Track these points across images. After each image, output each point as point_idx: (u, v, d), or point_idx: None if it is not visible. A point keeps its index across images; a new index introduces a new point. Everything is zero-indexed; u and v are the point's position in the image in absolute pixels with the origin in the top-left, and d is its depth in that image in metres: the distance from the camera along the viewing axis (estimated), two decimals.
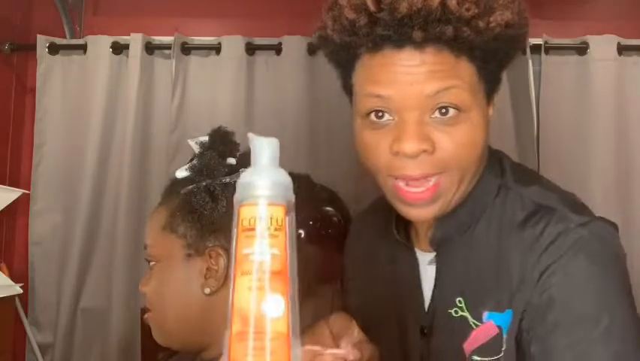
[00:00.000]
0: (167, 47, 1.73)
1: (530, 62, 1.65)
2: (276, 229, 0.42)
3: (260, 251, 0.41)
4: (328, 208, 0.92)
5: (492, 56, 0.67)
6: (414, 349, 0.77)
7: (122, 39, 1.73)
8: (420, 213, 0.69)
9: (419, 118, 0.65)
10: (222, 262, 0.79)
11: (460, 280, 0.73)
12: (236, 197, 0.45)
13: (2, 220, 1.72)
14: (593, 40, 1.64)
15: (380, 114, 0.66)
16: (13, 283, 1.56)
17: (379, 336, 0.72)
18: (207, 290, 0.79)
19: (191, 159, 0.84)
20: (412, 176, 0.66)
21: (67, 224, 1.72)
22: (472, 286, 0.72)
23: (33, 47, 1.75)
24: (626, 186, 1.64)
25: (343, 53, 0.69)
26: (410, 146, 0.64)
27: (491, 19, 0.63)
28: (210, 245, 0.79)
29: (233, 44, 1.71)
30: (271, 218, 0.42)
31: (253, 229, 0.42)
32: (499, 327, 0.69)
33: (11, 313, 1.65)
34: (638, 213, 1.63)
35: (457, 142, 0.66)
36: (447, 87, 0.64)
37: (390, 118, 0.66)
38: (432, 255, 0.76)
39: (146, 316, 0.86)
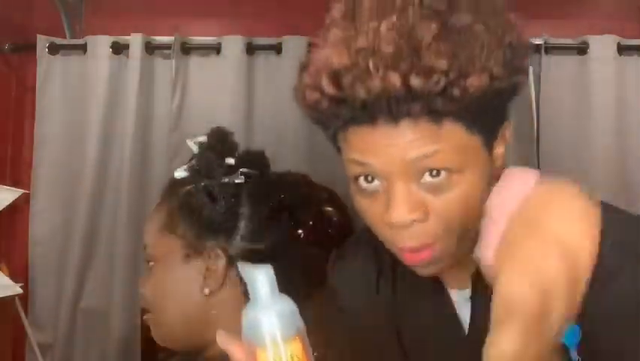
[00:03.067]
0: (167, 46, 1.73)
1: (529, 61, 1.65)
2: None
3: None
4: (328, 208, 0.92)
5: (481, 112, 0.60)
6: None
7: (122, 39, 1.73)
8: (425, 272, 0.65)
9: (407, 185, 0.60)
10: (221, 262, 0.79)
11: None
12: (246, 335, 0.49)
13: (2, 220, 1.71)
14: (593, 39, 1.64)
15: (369, 178, 0.62)
16: (13, 283, 1.56)
17: None
18: (206, 291, 0.79)
19: (190, 160, 0.84)
20: (410, 248, 0.62)
21: (67, 224, 1.72)
22: None
23: (33, 47, 1.74)
24: (626, 186, 1.63)
25: (319, 124, 0.67)
26: (399, 217, 0.60)
27: (467, 83, 0.55)
28: (209, 245, 0.79)
29: (233, 44, 1.71)
30: (291, 356, 0.47)
31: None
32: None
33: (11, 313, 1.65)
34: (638, 213, 1.62)
35: (451, 207, 0.61)
36: (429, 153, 0.59)
37: (379, 183, 0.62)
38: (467, 291, 0.69)
39: (145, 316, 0.86)
